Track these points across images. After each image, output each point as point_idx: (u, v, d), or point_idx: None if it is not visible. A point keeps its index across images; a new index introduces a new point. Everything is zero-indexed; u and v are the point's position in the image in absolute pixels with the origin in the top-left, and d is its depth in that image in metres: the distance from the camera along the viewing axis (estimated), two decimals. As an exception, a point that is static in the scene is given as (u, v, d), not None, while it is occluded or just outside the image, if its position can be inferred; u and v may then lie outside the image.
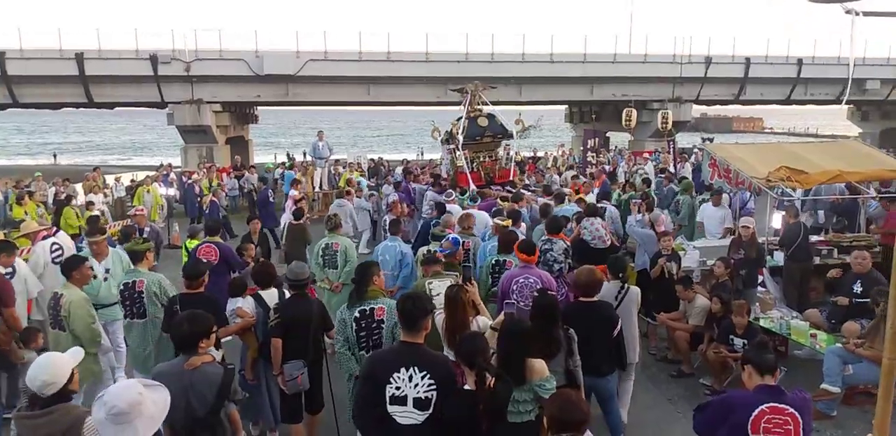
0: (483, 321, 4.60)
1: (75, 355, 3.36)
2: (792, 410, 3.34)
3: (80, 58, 25.55)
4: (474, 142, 13.21)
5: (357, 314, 4.60)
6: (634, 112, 20.72)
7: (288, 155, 30.56)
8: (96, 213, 12.62)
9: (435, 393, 3.43)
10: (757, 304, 7.10)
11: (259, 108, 36.41)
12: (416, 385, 3.43)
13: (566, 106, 36.87)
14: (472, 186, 12.41)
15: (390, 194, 13.66)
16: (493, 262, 6.47)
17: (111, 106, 31.37)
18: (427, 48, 28.64)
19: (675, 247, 8.17)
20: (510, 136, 13.58)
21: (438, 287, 5.69)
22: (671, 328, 7.08)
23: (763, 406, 3.35)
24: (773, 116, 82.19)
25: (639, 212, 9.35)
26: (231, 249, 7.82)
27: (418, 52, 28.67)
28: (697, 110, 39.29)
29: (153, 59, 26.28)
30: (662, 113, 21.10)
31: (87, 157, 53.69)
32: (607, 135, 26.53)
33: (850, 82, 31.32)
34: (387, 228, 8.85)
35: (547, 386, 3.63)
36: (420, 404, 3.44)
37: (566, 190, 12.13)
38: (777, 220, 9.28)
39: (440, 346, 4.64)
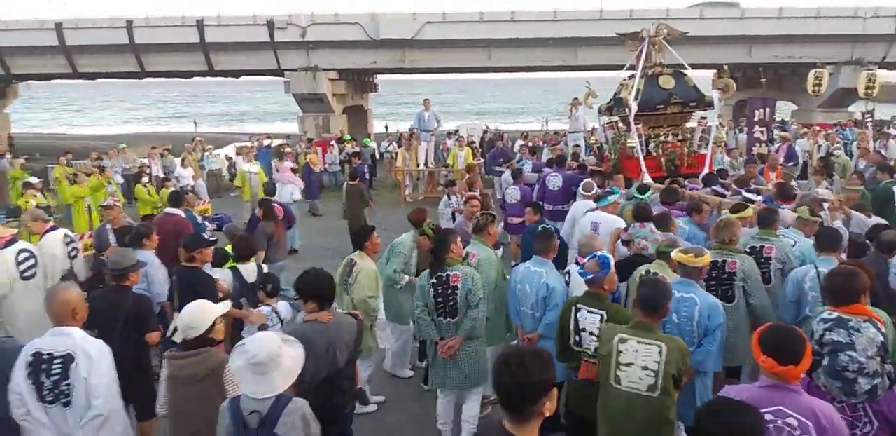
0: None
1: (221, 307, 3.60)
2: None
3: (200, 25, 25.49)
4: (654, 112, 9.40)
5: (434, 280, 4.66)
6: (826, 74, 16.65)
7: (386, 127, 28.95)
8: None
9: None
10: None
11: (378, 76, 35.41)
12: None
13: (714, 71, 32.31)
14: (647, 177, 8.69)
15: (508, 187, 9.46)
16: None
17: (236, 75, 31.61)
18: (555, 6, 25.86)
19: None
20: (709, 104, 9.57)
21: (632, 351, 3.53)
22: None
23: None
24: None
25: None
26: (287, 205, 8.74)
27: (545, 11, 26.03)
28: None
29: (270, 25, 25.82)
30: (868, 75, 16.89)
31: (224, 126, 54.98)
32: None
33: None
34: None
35: None
36: None
37: (822, 190, 7.14)
38: None
39: None
